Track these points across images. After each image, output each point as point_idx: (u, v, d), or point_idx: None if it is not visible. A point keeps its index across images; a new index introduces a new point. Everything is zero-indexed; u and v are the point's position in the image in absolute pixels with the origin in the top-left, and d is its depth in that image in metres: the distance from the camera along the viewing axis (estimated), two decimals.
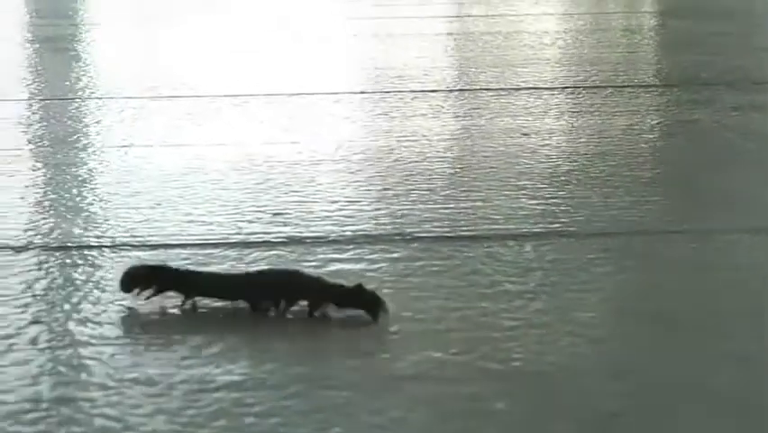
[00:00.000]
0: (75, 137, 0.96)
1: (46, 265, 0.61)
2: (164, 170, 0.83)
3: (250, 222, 0.69)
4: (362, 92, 1.18)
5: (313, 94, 1.16)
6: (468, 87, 1.19)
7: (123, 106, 1.11)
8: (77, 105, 1.13)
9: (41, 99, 1.17)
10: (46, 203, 0.75)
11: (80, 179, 0.81)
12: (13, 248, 0.64)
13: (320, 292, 0.54)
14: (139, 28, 1.89)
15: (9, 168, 0.85)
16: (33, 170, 0.84)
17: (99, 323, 0.53)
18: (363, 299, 0.53)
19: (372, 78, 1.26)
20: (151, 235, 0.67)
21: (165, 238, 0.66)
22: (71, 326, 0.53)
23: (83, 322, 0.53)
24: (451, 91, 1.17)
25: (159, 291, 0.54)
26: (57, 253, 0.63)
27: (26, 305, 0.55)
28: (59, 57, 1.50)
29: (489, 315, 0.53)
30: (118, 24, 1.95)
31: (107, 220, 0.70)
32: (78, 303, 0.55)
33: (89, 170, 0.84)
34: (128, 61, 1.46)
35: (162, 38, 1.74)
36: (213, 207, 0.72)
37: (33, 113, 1.10)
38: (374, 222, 0.69)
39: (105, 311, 0.54)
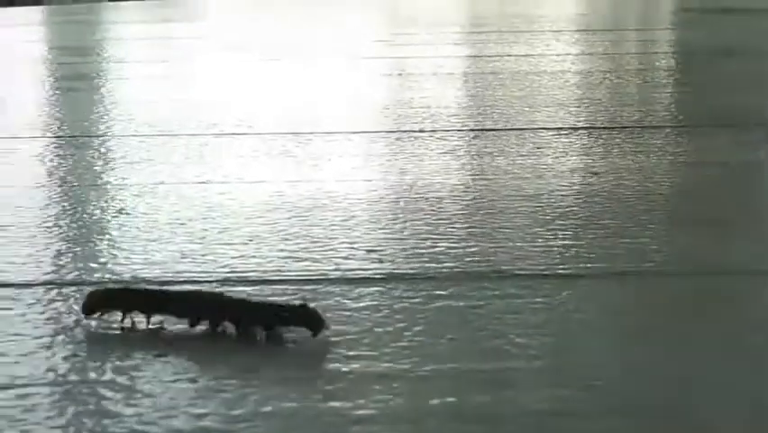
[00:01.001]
0: (151, 173, 0.98)
1: None
2: (247, 207, 0.84)
3: (345, 258, 0.70)
4: (421, 130, 1.19)
5: (373, 132, 1.18)
6: (527, 126, 1.20)
7: (188, 143, 1.12)
8: (141, 141, 1.15)
9: (110, 137, 1.19)
10: (140, 239, 0.76)
11: (168, 215, 0.82)
12: (117, 283, 0.65)
13: (267, 312, 0.56)
14: (165, 64, 1.91)
15: (94, 207, 0.86)
16: (120, 212, 0.85)
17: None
18: (307, 317, 0.55)
19: (428, 117, 1.27)
20: (251, 271, 0.68)
21: (265, 274, 0.67)
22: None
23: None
24: (510, 130, 1.18)
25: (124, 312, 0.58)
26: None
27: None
28: (99, 94, 1.52)
29: (604, 352, 0.54)
30: (147, 61, 1.97)
31: (204, 256, 0.71)
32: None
33: (173, 206, 0.85)
34: (173, 99, 1.47)
35: (197, 74, 1.76)
36: (304, 244, 0.73)
37: (108, 150, 1.11)
38: (468, 259, 0.70)
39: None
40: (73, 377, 0.51)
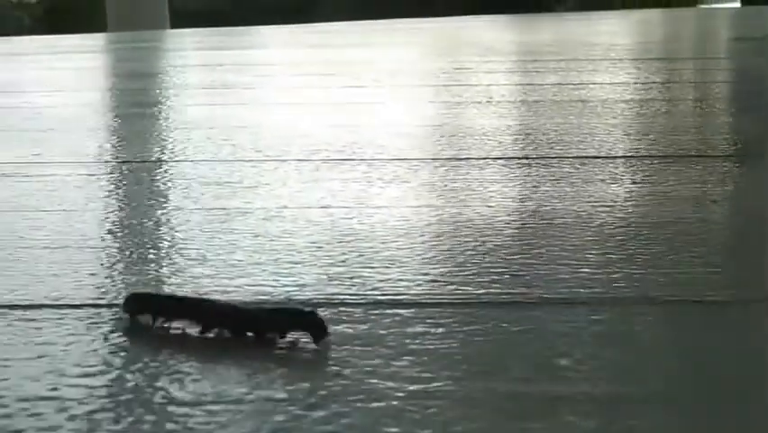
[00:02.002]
0: (272, 198, 0.99)
1: None
2: (378, 231, 0.85)
3: (491, 282, 0.71)
4: (526, 157, 1.20)
5: (480, 159, 1.18)
6: (631, 154, 1.21)
7: (299, 168, 1.14)
8: (253, 166, 1.16)
9: (220, 161, 1.20)
10: (283, 262, 0.77)
11: (303, 239, 0.83)
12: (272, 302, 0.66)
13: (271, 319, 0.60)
14: (251, 91, 1.93)
15: (227, 231, 0.87)
16: (254, 236, 0.86)
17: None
18: (310, 323, 0.59)
19: (530, 144, 1.28)
20: (401, 294, 0.68)
21: (417, 297, 0.68)
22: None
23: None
24: (615, 158, 1.18)
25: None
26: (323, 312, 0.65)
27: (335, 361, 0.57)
28: (191, 120, 1.54)
29: None
30: (232, 87, 1.99)
31: (352, 279, 0.72)
32: (372, 357, 0.57)
33: (304, 230, 0.86)
34: (267, 124, 1.49)
35: (283, 99, 1.77)
36: (446, 268, 0.74)
37: (223, 174, 1.12)
38: (614, 285, 0.70)
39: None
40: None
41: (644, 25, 4.55)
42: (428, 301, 0.67)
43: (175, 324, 0.62)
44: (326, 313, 0.64)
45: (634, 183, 1.04)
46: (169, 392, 0.53)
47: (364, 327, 0.62)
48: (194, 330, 0.61)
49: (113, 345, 0.60)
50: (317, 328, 0.59)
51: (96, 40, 4.41)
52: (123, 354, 0.58)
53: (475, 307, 0.66)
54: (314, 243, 0.82)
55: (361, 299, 0.68)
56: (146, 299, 0.64)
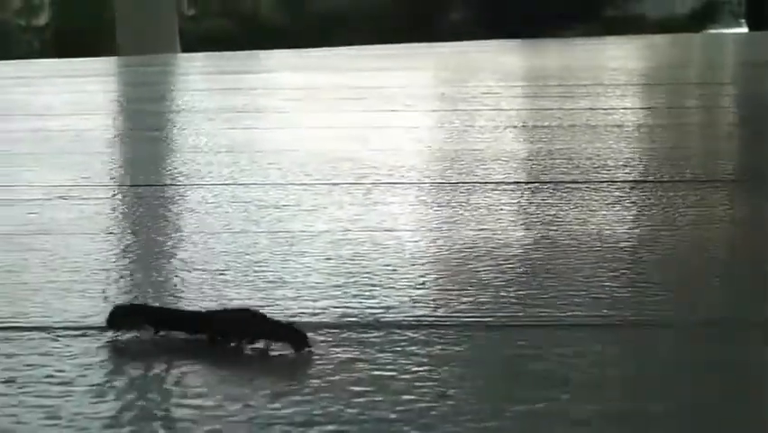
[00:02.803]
0: (332, 221, 1.00)
1: (397, 342, 0.64)
2: (450, 254, 0.86)
3: (577, 304, 0.72)
4: (574, 181, 1.21)
5: (529, 183, 1.19)
6: (678, 179, 1.22)
7: (352, 192, 1.15)
8: (305, 189, 1.17)
9: (272, 185, 1.21)
10: (362, 284, 0.78)
11: (376, 261, 0.84)
12: (345, 326, 0.67)
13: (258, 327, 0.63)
14: (282, 114, 1.94)
15: (297, 254, 0.88)
16: (328, 259, 0.87)
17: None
18: (292, 334, 0.62)
19: (575, 168, 1.29)
20: (488, 316, 0.69)
21: (503, 320, 0.69)
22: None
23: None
24: (662, 182, 1.19)
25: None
26: (409, 332, 0.66)
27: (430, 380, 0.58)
28: (234, 143, 1.55)
29: None
30: (264, 111, 2.00)
31: (435, 300, 0.73)
32: (474, 378, 0.58)
33: (375, 253, 0.87)
34: (311, 149, 1.50)
35: (318, 123, 1.78)
36: (526, 290, 0.75)
37: (279, 198, 1.13)
38: (687, 309, 0.71)
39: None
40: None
41: (654, 50, 4.57)
42: (516, 324, 0.68)
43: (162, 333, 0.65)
44: (417, 335, 0.65)
45: (689, 207, 1.05)
46: None
47: (458, 348, 0.63)
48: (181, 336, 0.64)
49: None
50: (298, 339, 0.62)
51: (112, 63, 4.43)
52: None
53: (567, 329, 0.67)
54: (387, 265, 0.83)
55: (448, 321, 0.68)
56: (133, 310, 0.67)
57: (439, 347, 0.63)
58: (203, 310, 0.67)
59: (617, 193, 1.12)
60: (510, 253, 0.86)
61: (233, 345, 0.63)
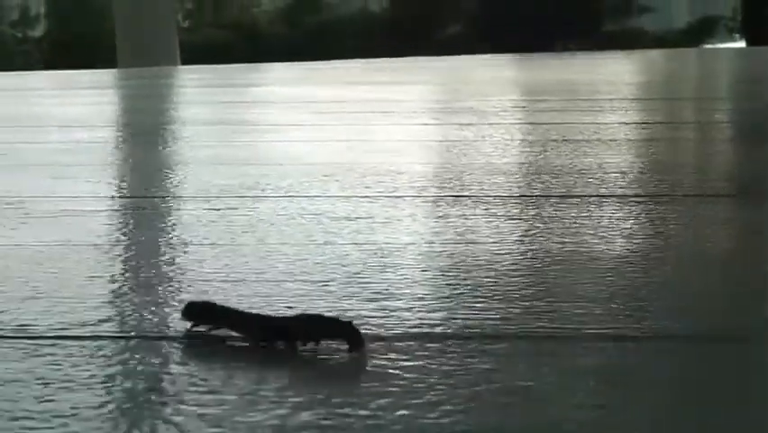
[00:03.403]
0: (393, 233, 1.01)
1: (456, 354, 0.65)
2: (540, 266, 0.87)
3: (656, 319, 0.73)
4: (637, 195, 1.22)
5: (577, 196, 1.21)
6: (723, 193, 1.23)
7: (418, 204, 1.16)
8: (371, 201, 1.18)
9: (325, 196, 1.22)
10: (471, 297, 0.79)
11: (471, 274, 0.85)
12: (425, 336, 0.68)
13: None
14: (313, 128, 1.95)
15: (388, 261, 0.89)
16: (422, 270, 0.88)
17: None
18: (346, 332, 0.65)
19: (634, 182, 1.30)
20: (605, 329, 0.70)
21: (564, 332, 0.70)
22: None
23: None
24: (686, 196, 1.21)
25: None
26: (532, 344, 0.67)
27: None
28: (282, 155, 1.56)
29: None
30: (295, 124, 2.01)
31: (550, 312, 0.74)
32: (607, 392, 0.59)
33: (465, 264, 0.88)
34: (355, 160, 1.51)
35: (351, 136, 1.79)
36: (639, 302, 0.76)
37: (334, 208, 1.14)
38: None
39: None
40: None
41: (659, 65, 4.59)
42: (576, 335, 0.69)
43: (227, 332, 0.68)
44: (542, 346, 0.66)
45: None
46: None
47: (587, 359, 0.64)
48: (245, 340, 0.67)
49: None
50: (355, 337, 0.65)
51: (115, 76, 4.43)
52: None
53: (637, 340, 0.68)
54: (486, 277, 0.84)
55: (567, 331, 0.69)
56: (205, 308, 0.70)
57: (567, 359, 0.64)
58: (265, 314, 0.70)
59: (680, 208, 1.14)
60: (604, 266, 0.87)
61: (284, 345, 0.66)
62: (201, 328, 0.69)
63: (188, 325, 0.70)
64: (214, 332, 0.69)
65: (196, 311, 0.70)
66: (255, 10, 12.45)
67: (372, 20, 9.04)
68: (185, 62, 7.45)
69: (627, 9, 9.30)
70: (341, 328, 0.65)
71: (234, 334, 0.68)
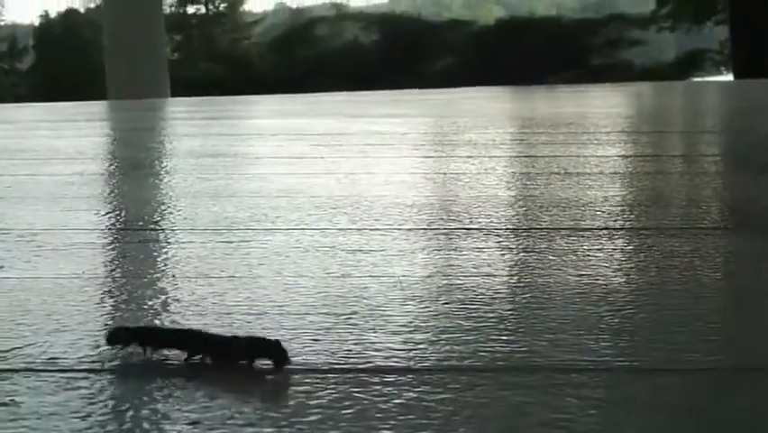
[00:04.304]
0: (420, 266, 1.01)
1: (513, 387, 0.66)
2: (561, 300, 0.88)
3: (685, 351, 0.73)
4: (645, 228, 1.22)
5: (601, 229, 1.21)
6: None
7: (432, 237, 1.16)
8: (384, 234, 1.18)
9: (353, 231, 1.22)
10: (541, 326, 0.79)
11: (501, 307, 0.86)
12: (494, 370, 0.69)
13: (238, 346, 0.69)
14: (322, 160, 1.95)
15: (437, 294, 0.90)
16: (486, 304, 0.88)
17: None
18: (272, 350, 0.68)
19: (641, 215, 1.31)
20: (635, 361, 0.71)
21: (596, 364, 0.70)
22: None
23: None
24: (698, 229, 1.22)
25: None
26: (584, 376, 0.67)
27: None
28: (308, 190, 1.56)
29: None
30: (288, 157, 2.02)
31: (593, 345, 0.74)
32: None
33: (487, 300, 0.88)
34: (371, 195, 1.51)
35: (362, 168, 1.79)
36: (618, 337, 0.77)
37: (364, 241, 1.15)
38: None
39: None
40: None
41: (649, 98, 4.62)
42: (604, 368, 0.69)
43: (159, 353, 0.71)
44: (564, 379, 0.67)
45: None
46: None
47: (616, 392, 0.65)
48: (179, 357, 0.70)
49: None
50: (280, 356, 0.68)
51: (108, 108, 4.43)
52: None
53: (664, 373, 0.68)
54: (510, 310, 0.84)
55: (587, 364, 0.70)
56: (132, 331, 0.72)
57: (598, 390, 0.65)
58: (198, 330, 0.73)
59: (696, 239, 1.14)
60: (623, 299, 0.88)
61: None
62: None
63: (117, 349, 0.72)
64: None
65: (124, 335, 0.72)
66: (245, 42, 12.49)
67: (363, 53, 9.06)
68: (174, 95, 7.47)
69: (617, 42, 9.35)
70: (269, 348, 0.69)
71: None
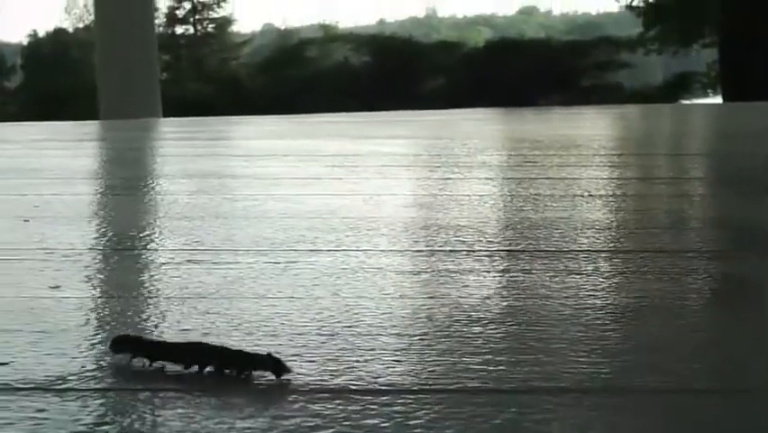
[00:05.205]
0: (481, 287, 1.02)
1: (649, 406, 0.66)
2: (589, 319, 0.89)
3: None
4: (663, 250, 1.24)
5: (621, 251, 1.22)
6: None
7: (475, 258, 1.17)
8: (428, 256, 1.19)
9: (389, 251, 1.23)
10: (543, 346, 0.80)
11: (529, 330, 0.87)
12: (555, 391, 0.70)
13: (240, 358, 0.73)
14: (337, 180, 1.96)
15: (473, 317, 0.90)
16: (515, 324, 0.89)
17: None
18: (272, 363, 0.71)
19: (679, 238, 1.32)
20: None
21: (615, 382, 0.71)
22: None
23: None
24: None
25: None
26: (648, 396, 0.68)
27: None
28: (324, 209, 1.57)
29: None
30: (308, 178, 2.03)
31: (660, 371, 0.75)
32: None
33: (555, 321, 0.89)
34: (390, 216, 1.52)
35: (378, 190, 1.80)
36: (694, 361, 0.78)
37: (411, 264, 1.16)
38: None
39: None
40: None
41: (648, 120, 4.64)
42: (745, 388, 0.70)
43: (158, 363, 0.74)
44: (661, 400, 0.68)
45: None
46: None
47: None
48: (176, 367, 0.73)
49: None
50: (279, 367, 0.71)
51: (105, 127, 4.43)
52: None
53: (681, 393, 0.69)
54: (580, 331, 0.85)
55: (663, 385, 0.71)
56: (133, 341, 0.76)
57: (690, 412, 0.66)
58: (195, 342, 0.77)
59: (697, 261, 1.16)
60: (691, 320, 0.89)
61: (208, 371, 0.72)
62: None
63: (121, 357, 0.75)
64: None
65: (128, 344, 0.75)
66: (234, 63, 12.51)
67: (353, 73, 9.11)
68: (163, 114, 7.47)
69: (605, 65, 9.41)
70: (264, 360, 0.72)
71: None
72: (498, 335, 0.84)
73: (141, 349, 0.74)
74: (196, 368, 0.73)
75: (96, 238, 1.34)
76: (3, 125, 4.84)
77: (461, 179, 1.99)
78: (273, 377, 0.72)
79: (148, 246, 1.28)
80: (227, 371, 0.72)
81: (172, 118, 6.57)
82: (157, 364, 0.74)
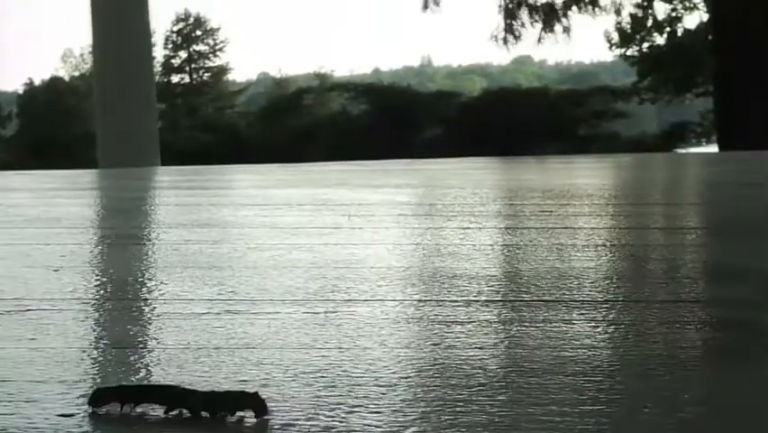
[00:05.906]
0: (535, 338, 1.03)
1: None
2: (650, 368, 0.89)
3: None
4: (681, 300, 1.25)
5: (643, 302, 1.23)
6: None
7: (507, 307, 1.18)
8: (464, 306, 1.20)
9: (422, 301, 1.24)
10: (606, 397, 0.81)
11: (587, 380, 0.87)
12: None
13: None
14: (345, 230, 1.97)
15: (524, 367, 0.91)
16: (573, 373, 0.90)
17: None
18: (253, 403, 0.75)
19: (700, 286, 1.33)
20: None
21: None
22: None
23: None
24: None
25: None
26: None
27: None
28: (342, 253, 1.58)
29: None
30: (327, 227, 2.03)
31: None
32: None
33: (577, 372, 0.90)
34: (418, 266, 1.53)
35: (399, 240, 1.81)
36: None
37: (448, 314, 1.16)
38: None
39: None
40: None
41: (651, 170, 4.67)
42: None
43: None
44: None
45: None
46: None
47: None
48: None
49: None
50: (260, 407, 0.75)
51: (110, 175, 4.44)
52: None
53: None
54: (638, 378, 0.86)
55: None
56: (113, 390, 0.78)
57: None
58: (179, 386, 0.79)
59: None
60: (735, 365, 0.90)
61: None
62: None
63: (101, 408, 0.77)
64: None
65: (108, 395, 0.77)
66: (228, 111, 12.55)
67: (351, 122, 9.14)
68: (162, 163, 7.48)
69: (602, 114, 9.47)
70: (249, 400, 0.75)
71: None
72: (559, 385, 0.85)
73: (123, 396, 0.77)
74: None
75: (123, 288, 1.35)
76: (21, 174, 4.84)
77: (480, 229, 2.00)
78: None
79: (181, 297, 1.28)
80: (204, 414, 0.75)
81: (175, 167, 6.59)
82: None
